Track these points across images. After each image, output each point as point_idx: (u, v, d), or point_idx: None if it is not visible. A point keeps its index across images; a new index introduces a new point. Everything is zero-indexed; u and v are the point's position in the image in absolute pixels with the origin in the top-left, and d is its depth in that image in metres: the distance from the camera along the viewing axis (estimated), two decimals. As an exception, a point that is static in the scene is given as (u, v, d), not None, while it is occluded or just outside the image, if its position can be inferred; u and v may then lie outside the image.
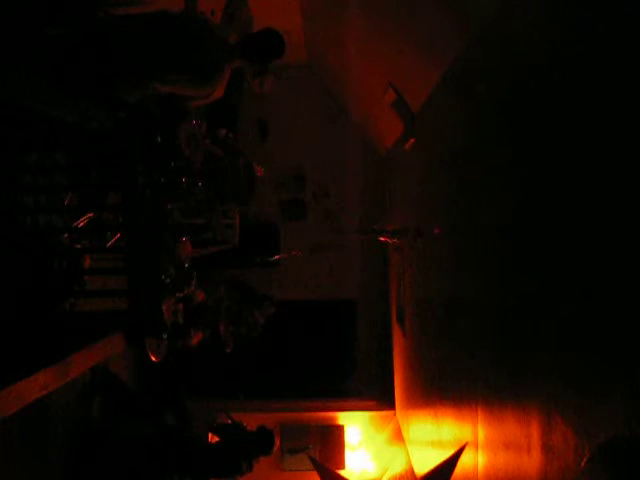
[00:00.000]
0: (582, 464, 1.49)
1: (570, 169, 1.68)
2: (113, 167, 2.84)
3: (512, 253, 2.22)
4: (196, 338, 4.40)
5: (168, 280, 2.67)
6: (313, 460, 3.11)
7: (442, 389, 3.69)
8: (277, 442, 4.24)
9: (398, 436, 5.97)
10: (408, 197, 5.03)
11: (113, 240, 3.18)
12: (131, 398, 4.50)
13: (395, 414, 6.40)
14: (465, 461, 2.72)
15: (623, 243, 1.39)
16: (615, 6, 1.44)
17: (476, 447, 2.71)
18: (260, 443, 4.12)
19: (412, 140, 4.53)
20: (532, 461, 1.96)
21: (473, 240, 2.83)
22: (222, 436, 4.37)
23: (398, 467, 5.66)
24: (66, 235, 2.97)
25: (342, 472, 6.01)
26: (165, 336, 2.82)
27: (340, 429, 6.62)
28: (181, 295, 2.89)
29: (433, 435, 3.99)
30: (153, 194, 2.62)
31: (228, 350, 4.66)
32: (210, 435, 4.65)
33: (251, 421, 4.56)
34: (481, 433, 2.65)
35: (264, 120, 6.14)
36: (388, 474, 6.09)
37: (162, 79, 2.46)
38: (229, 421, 4.52)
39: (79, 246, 3.04)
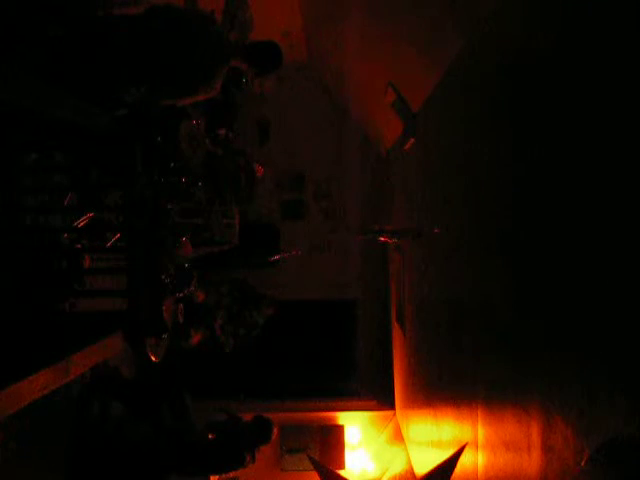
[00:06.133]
0: (582, 464, 1.49)
1: (571, 167, 1.68)
2: (113, 167, 2.84)
3: (513, 253, 2.22)
4: (196, 338, 4.39)
5: (168, 280, 2.67)
6: (312, 460, 3.11)
7: (442, 389, 3.69)
8: (275, 430, 4.22)
9: (398, 436, 5.97)
10: (408, 197, 5.03)
11: (113, 240, 3.18)
12: (131, 397, 4.50)
13: (395, 414, 6.40)
14: (465, 461, 2.72)
15: (625, 243, 1.39)
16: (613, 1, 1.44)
17: (476, 447, 2.71)
18: (259, 432, 4.11)
19: (412, 140, 4.53)
20: (532, 461, 1.96)
21: (473, 240, 2.83)
22: (219, 432, 4.36)
23: (398, 467, 5.66)
24: (66, 235, 2.97)
25: (342, 472, 6.00)
26: (165, 336, 2.82)
27: (340, 429, 6.62)
28: (181, 295, 2.89)
29: (433, 435, 3.99)
30: (153, 194, 2.62)
31: (228, 350, 4.65)
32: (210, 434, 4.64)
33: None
34: (481, 433, 2.65)
35: (265, 122, 6.05)
36: (388, 474, 6.09)
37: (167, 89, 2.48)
38: (227, 417, 4.50)
39: (79, 246, 3.04)
